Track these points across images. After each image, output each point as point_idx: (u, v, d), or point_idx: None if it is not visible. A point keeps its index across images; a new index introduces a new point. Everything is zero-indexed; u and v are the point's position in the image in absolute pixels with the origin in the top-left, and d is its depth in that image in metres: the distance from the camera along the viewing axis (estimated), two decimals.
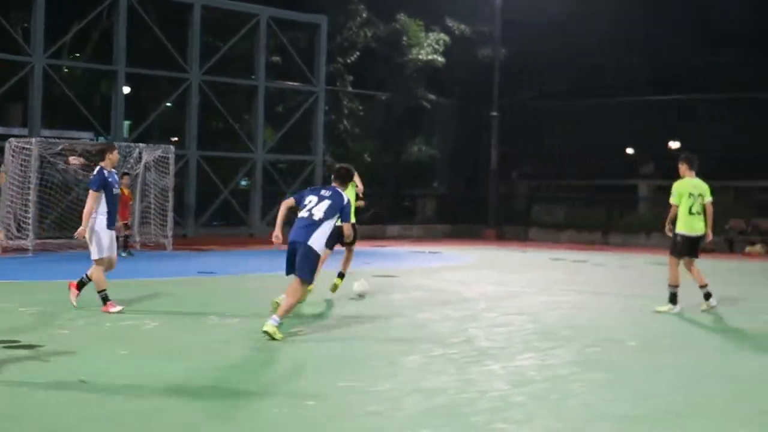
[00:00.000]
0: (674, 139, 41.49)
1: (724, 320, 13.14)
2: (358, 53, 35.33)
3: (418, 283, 17.26)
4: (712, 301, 13.75)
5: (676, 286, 13.76)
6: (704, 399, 7.96)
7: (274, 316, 10.43)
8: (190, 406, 7.29)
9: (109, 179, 12.16)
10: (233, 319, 11.87)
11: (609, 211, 37.35)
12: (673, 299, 13.72)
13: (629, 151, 43.53)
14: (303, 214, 10.94)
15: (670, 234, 14.04)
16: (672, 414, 7.39)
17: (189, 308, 12.86)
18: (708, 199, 13.93)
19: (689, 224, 13.79)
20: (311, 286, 11.79)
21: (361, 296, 14.67)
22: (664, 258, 27.52)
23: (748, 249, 31.43)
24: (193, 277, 17.85)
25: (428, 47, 36.39)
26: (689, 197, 13.79)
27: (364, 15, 35.41)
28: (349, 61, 35.24)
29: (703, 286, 13.82)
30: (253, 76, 31.10)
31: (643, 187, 43.13)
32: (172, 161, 25.50)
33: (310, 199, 11.01)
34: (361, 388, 8.00)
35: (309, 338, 10.62)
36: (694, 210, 13.79)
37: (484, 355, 9.70)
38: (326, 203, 10.90)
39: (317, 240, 10.71)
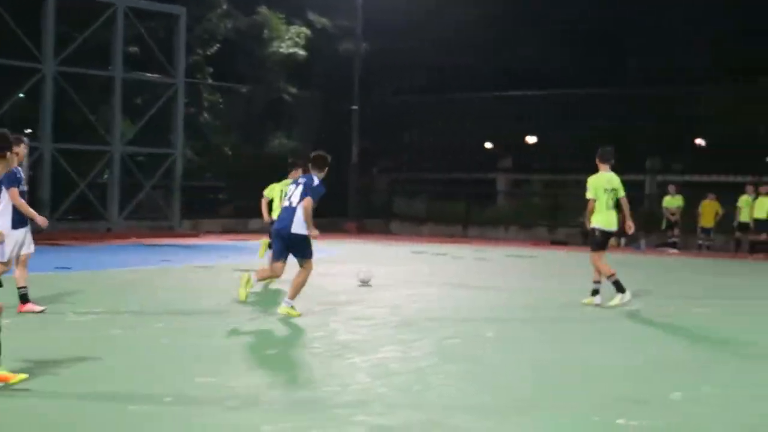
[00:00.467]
0: (531, 134, 42.41)
1: (580, 311, 13.46)
2: (218, 45, 34.95)
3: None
4: (598, 299, 13.83)
5: (614, 275, 13.75)
6: (561, 388, 8.14)
7: (287, 299, 12.01)
8: (40, 407, 7.08)
9: (18, 176, 11.57)
10: (90, 316, 11.59)
11: (468, 204, 37.92)
12: (619, 288, 13.71)
13: (488, 145, 44.28)
14: (285, 203, 12.28)
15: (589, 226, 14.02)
16: (529, 403, 7.53)
17: (44, 305, 12.49)
18: (621, 194, 13.96)
19: (607, 219, 13.84)
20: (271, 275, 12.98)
21: (365, 283, 15.96)
22: (522, 250, 28.13)
23: None
24: (49, 272, 17.34)
25: (289, 40, 36.28)
26: (604, 192, 13.81)
27: (224, 6, 35.06)
28: (209, 53, 34.83)
29: (596, 282, 13.90)
30: (110, 67, 30.42)
31: (502, 181, 43.94)
32: (25, 154, 24.69)
33: (290, 189, 12.42)
34: (219, 383, 7.90)
35: (166, 333, 10.45)
36: (610, 205, 13.84)
37: (347, 348, 9.71)
38: (300, 188, 12.13)
39: (298, 225, 11.91)
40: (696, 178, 37.10)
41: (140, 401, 7.21)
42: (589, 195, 13.90)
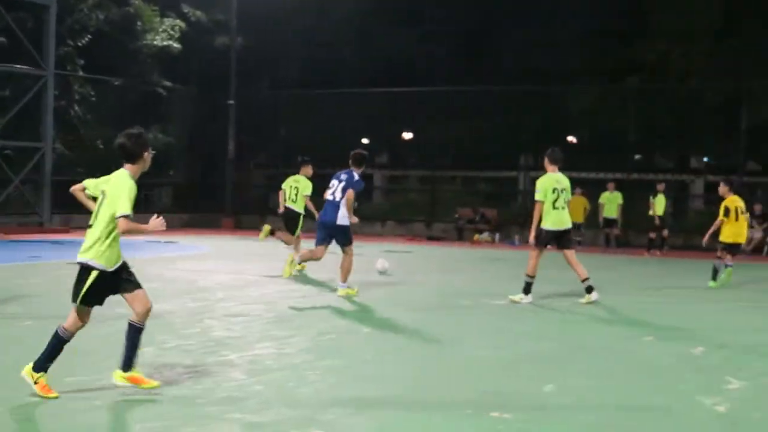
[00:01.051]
0: (407, 130, 42.71)
1: (450, 307, 13.59)
2: (89, 37, 34.16)
3: (153, 273, 16.90)
4: (594, 295, 14.00)
5: (533, 277, 13.97)
6: (436, 382, 8.20)
7: (341, 283, 14.22)
8: None
9: None
10: None
11: None
12: (527, 289, 13.95)
13: (365, 141, 44.44)
14: (328, 197, 14.24)
15: (533, 233, 14.05)
16: (404, 397, 7.56)
17: None
18: (569, 196, 14.14)
19: (554, 219, 13.93)
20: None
21: (383, 272, 17.65)
22: (399, 245, 28.31)
23: (476, 237, 32.74)
24: None
25: (163, 33, 35.73)
26: (553, 192, 13.89)
27: None
28: (80, 44, 34.01)
29: (584, 280, 14.05)
30: None
31: (378, 177, 44.15)
32: None
33: (332, 184, 14.30)
34: (89, 381, 7.72)
35: (33, 331, 10.16)
36: (558, 205, 13.91)
37: (221, 345, 9.60)
38: (341, 184, 14.09)
39: (342, 217, 14.09)
40: (567, 174, 37.89)
41: (6, 402, 7.00)
42: (537, 197, 14.00)
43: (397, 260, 23.10)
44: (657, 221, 28.39)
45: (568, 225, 14.15)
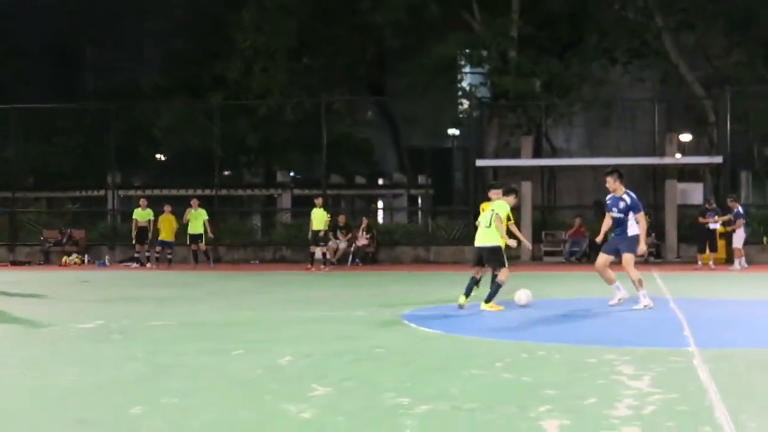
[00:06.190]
0: None
1: (35, 334, 13.06)
2: None
3: None
4: None
5: None
6: (19, 413, 7.82)
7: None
8: None
9: None
10: None
11: None
12: None
13: None
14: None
15: None
16: None
17: None
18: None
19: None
20: None
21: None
22: None
23: (64, 259, 31.76)
24: None
25: None
26: None
27: None
28: None
29: None
30: None
31: None
32: None
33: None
34: None
35: None
36: None
37: None
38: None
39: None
40: (157, 192, 37.74)
41: None
42: None
43: None
44: (310, 235, 28.90)
45: None
